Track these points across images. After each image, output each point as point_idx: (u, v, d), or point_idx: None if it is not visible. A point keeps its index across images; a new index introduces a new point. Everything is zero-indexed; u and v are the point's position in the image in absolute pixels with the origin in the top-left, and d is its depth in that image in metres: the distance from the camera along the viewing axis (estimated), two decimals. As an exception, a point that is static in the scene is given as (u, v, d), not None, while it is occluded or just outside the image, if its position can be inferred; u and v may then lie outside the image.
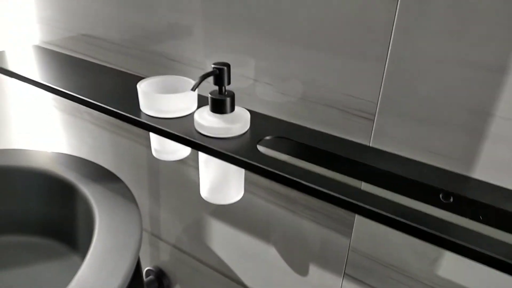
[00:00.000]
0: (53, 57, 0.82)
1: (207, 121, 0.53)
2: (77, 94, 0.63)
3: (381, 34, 0.46)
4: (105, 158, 0.93)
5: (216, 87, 0.52)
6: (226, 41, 0.60)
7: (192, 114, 0.58)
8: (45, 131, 1.04)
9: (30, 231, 0.78)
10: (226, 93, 0.53)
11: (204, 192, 0.59)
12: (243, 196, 0.61)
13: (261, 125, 0.56)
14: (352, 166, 0.50)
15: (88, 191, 0.67)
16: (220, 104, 0.52)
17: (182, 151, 0.63)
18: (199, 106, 0.59)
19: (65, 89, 0.65)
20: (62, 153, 0.78)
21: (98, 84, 0.69)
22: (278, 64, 0.56)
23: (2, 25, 0.96)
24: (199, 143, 0.52)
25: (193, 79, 0.62)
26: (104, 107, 0.60)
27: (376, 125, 0.51)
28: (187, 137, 0.53)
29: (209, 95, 0.53)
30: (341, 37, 0.49)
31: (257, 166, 0.47)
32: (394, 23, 0.45)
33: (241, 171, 0.58)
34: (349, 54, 0.49)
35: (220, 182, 0.57)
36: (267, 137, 0.53)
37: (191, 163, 0.75)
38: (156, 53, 0.69)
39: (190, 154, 0.65)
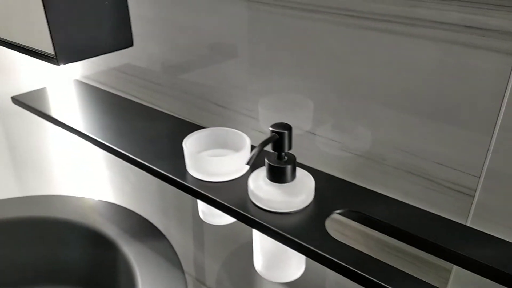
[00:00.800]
0: (93, 95, 0.77)
1: (264, 192, 0.44)
2: (119, 148, 0.57)
3: (488, 100, 0.36)
4: (148, 198, 0.87)
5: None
6: (280, 88, 0.52)
7: (244, 176, 0.50)
8: (87, 168, 1.00)
9: (67, 282, 0.74)
10: (286, 158, 0.44)
11: (259, 266, 0.51)
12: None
13: (327, 191, 0.47)
14: (444, 250, 0.40)
15: (130, 251, 0.61)
16: (279, 173, 0.44)
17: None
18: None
19: (105, 141, 0.59)
20: (104, 202, 0.73)
21: (140, 131, 0.62)
22: (347, 118, 0.47)
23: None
24: (256, 220, 0.44)
25: (242, 130, 0.54)
26: (146, 166, 0.53)
27: (477, 202, 0.40)
28: (242, 211, 0.45)
29: (266, 161, 0.44)
30: (436, 100, 0.39)
31: (329, 258, 0.38)
32: (508, 88, 0.35)
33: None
34: (446, 118, 0.39)
35: (278, 258, 0.49)
36: (337, 212, 0.44)
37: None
38: (201, 96, 0.62)
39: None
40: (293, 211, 0.44)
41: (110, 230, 0.65)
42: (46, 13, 0.28)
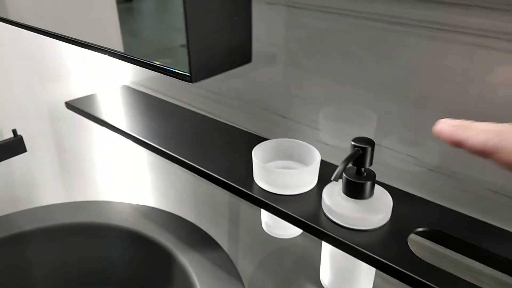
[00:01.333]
0: (146, 101, 0.77)
1: (342, 208, 0.43)
2: (184, 157, 0.57)
3: None
4: (194, 205, 0.87)
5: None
6: (342, 98, 0.51)
7: (311, 191, 0.50)
8: (132, 174, 1.00)
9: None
10: (365, 173, 0.43)
11: (326, 281, 0.50)
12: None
13: (403, 208, 0.46)
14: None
15: (187, 261, 0.60)
16: (358, 189, 0.43)
17: (297, 228, 0.54)
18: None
19: (168, 150, 0.59)
20: (155, 209, 0.73)
21: (200, 141, 0.62)
22: (414, 130, 0.46)
23: (93, 65, 0.93)
24: (332, 236, 0.43)
25: (303, 140, 0.53)
26: (213, 176, 0.53)
27: None
28: (316, 226, 0.44)
29: (345, 176, 0.43)
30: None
31: (418, 279, 0.37)
32: None
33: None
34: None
35: (347, 275, 0.48)
36: (419, 230, 0.43)
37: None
38: (259, 105, 0.62)
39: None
40: (370, 229, 0.43)
41: (165, 239, 0.65)
42: (187, 37, 0.28)
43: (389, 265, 0.39)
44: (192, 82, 0.30)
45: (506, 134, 0.27)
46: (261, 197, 0.49)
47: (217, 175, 0.53)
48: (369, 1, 0.44)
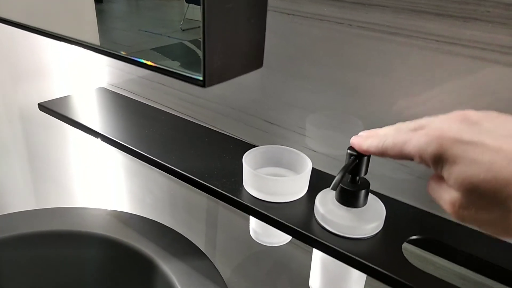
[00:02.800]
0: (124, 104, 0.75)
1: (335, 216, 0.43)
2: (169, 164, 0.55)
3: None
4: (171, 212, 0.84)
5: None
6: (329, 105, 0.51)
7: (303, 198, 0.49)
8: (107, 180, 0.97)
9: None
10: (360, 182, 0.43)
11: (315, 286, 0.50)
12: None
13: (395, 217, 0.46)
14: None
15: (170, 269, 0.58)
16: (353, 197, 0.43)
17: (286, 236, 0.54)
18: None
19: (150, 155, 0.57)
20: (134, 215, 0.70)
21: (184, 146, 0.60)
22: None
23: (69, 68, 0.90)
24: (327, 244, 0.42)
25: (293, 147, 0.53)
26: (200, 183, 0.52)
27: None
28: (310, 234, 0.43)
29: (331, 189, 0.43)
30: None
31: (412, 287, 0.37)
32: None
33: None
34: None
35: (338, 283, 0.48)
36: (412, 238, 0.43)
37: (299, 243, 0.65)
38: (246, 111, 0.61)
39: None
40: (364, 237, 0.43)
41: (145, 246, 0.62)
42: (204, 40, 0.27)
43: (384, 273, 0.39)
44: (204, 87, 0.29)
45: (387, 136, 0.33)
46: (252, 205, 0.48)
47: (204, 181, 0.51)
48: (365, 11, 0.44)
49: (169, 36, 0.53)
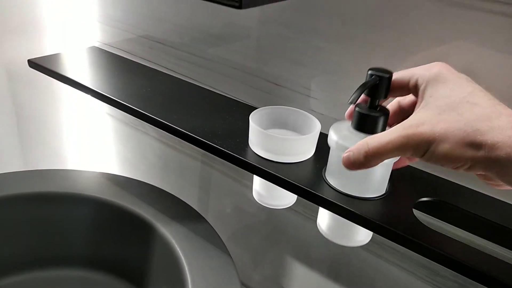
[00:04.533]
0: (119, 63, 0.72)
1: (351, 141, 0.38)
2: (171, 123, 0.53)
3: None
4: (167, 177, 0.83)
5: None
6: (335, 67, 0.50)
7: (310, 159, 0.48)
8: (99, 144, 0.94)
9: (82, 265, 0.69)
10: (379, 109, 0.39)
11: (323, 226, 0.48)
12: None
13: (404, 180, 0.45)
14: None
15: (170, 233, 0.57)
16: (371, 122, 0.39)
17: (291, 198, 0.53)
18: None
19: (151, 114, 0.55)
20: (130, 179, 0.68)
21: (184, 106, 0.58)
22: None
23: (61, 25, 0.85)
24: (337, 204, 0.41)
25: (299, 107, 0.51)
26: (205, 143, 0.50)
27: None
28: (320, 194, 0.42)
29: (357, 109, 0.39)
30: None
31: (426, 246, 0.37)
32: None
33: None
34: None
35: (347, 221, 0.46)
36: (423, 199, 0.43)
37: (297, 208, 0.65)
38: (248, 71, 0.59)
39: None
40: (374, 197, 0.42)
41: (143, 210, 0.61)
42: None
43: (396, 232, 0.38)
44: (241, 8, 0.27)
45: (357, 147, 0.35)
46: (259, 164, 0.47)
47: (209, 141, 0.50)
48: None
49: None
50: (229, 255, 0.54)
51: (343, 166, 0.37)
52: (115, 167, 0.93)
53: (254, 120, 0.47)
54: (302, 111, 0.50)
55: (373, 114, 0.39)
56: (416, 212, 0.42)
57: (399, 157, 0.40)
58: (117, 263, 0.66)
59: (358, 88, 0.37)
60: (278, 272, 0.73)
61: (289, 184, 0.44)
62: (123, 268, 0.65)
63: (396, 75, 0.37)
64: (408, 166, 0.48)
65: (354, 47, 0.48)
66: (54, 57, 0.72)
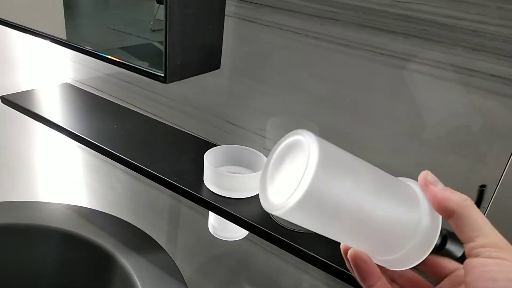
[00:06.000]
0: (90, 100, 0.76)
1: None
2: (126, 157, 0.56)
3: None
4: (133, 208, 0.85)
5: None
6: (288, 109, 0.55)
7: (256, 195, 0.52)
8: (69, 176, 0.96)
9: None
10: None
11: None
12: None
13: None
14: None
15: (130, 264, 0.60)
16: None
17: (242, 231, 0.57)
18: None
19: (113, 150, 0.58)
20: (94, 210, 0.71)
21: (145, 142, 0.62)
22: (355, 142, 0.51)
23: (34, 62, 0.89)
24: (282, 239, 0.46)
25: (254, 148, 0.56)
26: (160, 177, 0.54)
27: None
28: (266, 229, 0.46)
29: None
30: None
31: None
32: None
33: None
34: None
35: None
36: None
37: (254, 239, 0.68)
38: (209, 112, 0.63)
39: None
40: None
41: (104, 241, 0.63)
42: (166, 38, 0.29)
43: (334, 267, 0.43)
44: (166, 83, 0.31)
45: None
46: (211, 200, 0.50)
47: (166, 177, 0.53)
48: (319, 23, 0.48)
49: (138, 36, 0.55)
50: (185, 284, 0.57)
51: None
52: (84, 198, 0.95)
53: (208, 159, 0.52)
54: (254, 150, 0.55)
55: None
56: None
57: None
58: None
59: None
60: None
61: (237, 218, 0.48)
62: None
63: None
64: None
65: (301, 96, 0.53)
66: (27, 94, 0.76)
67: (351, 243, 0.29)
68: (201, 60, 0.40)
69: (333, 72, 0.49)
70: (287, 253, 0.61)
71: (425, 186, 0.28)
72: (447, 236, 0.29)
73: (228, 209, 0.49)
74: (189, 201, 0.74)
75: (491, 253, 0.25)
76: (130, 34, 0.56)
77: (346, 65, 0.48)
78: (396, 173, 0.29)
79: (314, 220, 0.25)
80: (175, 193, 0.76)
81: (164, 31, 0.30)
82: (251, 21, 0.53)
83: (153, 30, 0.56)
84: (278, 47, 0.52)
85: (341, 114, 0.51)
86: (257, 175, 0.51)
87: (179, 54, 0.32)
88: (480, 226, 0.26)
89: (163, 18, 0.44)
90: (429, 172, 0.29)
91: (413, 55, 0.43)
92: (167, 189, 0.77)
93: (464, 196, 0.27)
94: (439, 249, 0.29)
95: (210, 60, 0.43)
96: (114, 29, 0.58)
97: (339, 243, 0.30)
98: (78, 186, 0.95)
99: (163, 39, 0.30)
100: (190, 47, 0.37)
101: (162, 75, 0.30)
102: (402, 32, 0.43)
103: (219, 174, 0.50)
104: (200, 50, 0.40)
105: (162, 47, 0.43)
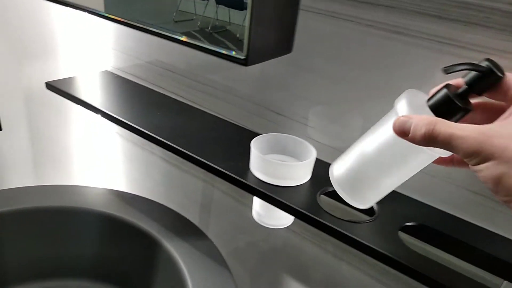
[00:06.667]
0: (131, 88, 0.77)
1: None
2: (179, 146, 0.57)
3: None
4: (171, 196, 0.87)
5: None
6: (333, 97, 0.54)
7: (306, 184, 0.52)
8: (107, 163, 0.98)
9: (91, 276, 0.72)
10: (466, 101, 0.34)
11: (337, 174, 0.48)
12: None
13: (390, 205, 0.50)
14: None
15: (174, 249, 0.61)
16: (452, 109, 0.33)
17: (288, 219, 0.57)
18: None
19: (160, 136, 0.59)
20: (137, 196, 0.72)
21: (190, 130, 0.63)
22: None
23: (76, 51, 0.91)
24: (329, 226, 0.46)
25: (297, 135, 0.56)
26: (211, 166, 0.54)
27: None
28: (315, 217, 0.47)
29: (445, 90, 0.33)
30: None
31: (411, 268, 0.41)
32: None
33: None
34: None
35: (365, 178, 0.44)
36: (408, 224, 0.47)
37: (294, 228, 0.69)
38: (252, 101, 0.64)
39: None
40: (363, 221, 0.46)
41: (149, 226, 0.65)
42: (250, 21, 0.30)
43: (381, 252, 0.42)
44: (246, 65, 0.32)
45: (422, 120, 0.32)
46: (259, 187, 0.51)
47: (214, 164, 0.54)
48: (373, 10, 0.47)
49: (161, 27, 0.55)
50: (230, 272, 0.58)
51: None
52: (122, 185, 0.97)
53: (255, 146, 0.52)
54: (300, 138, 0.55)
55: (458, 104, 0.33)
56: (402, 235, 0.46)
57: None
58: (121, 275, 0.69)
59: (464, 63, 0.32)
60: (274, 289, 0.76)
61: (286, 206, 0.49)
62: (126, 280, 0.69)
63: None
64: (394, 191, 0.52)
65: (347, 85, 0.53)
66: (69, 80, 0.77)
67: None
68: (277, 43, 0.40)
69: (385, 61, 0.49)
70: (326, 242, 0.62)
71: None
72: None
73: (277, 196, 0.49)
74: (222, 186, 0.76)
75: None
76: (152, 25, 0.56)
77: (400, 54, 0.47)
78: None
79: None
80: (208, 179, 0.78)
81: (249, 11, 0.31)
82: (302, 9, 0.53)
83: (176, 21, 0.57)
84: (328, 34, 0.52)
85: (391, 106, 0.50)
86: (306, 164, 0.51)
87: (259, 36, 0.32)
88: None
89: (186, 9, 0.44)
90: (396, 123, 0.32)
91: (473, 43, 0.42)
92: (201, 175, 0.78)
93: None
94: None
95: (285, 43, 0.44)
96: (137, 20, 0.58)
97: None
98: (117, 173, 0.97)
99: (247, 22, 0.31)
100: (269, 29, 0.37)
101: (243, 57, 0.30)
102: (462, 20, 0.42)
103: (267, 162, 0.50)
104: (277, 32, 0.40)
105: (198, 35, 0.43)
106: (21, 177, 1.18)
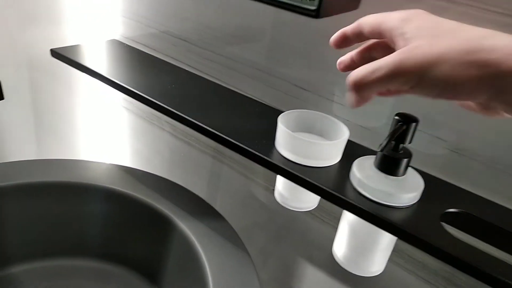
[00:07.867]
0: (141, 58, 0.72)
1: (373, 181, 0.43)
2: (199, 122, 0.53)
3: None
4: (181, 174, 0.83)
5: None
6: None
7: (336, 165, 0.49)
8: (113, 138, 0.94)
9: (93, 255, 0.69)
10: (402, 151, 0.43)
11: (339, 254, 0.50)
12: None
13: (431, 190, 0.46)
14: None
15: (189, 229, 0.57)
16: (394, 164, 0.43)
17: (313, 202, 0.54)
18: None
19: (178, 111, 0.55)
20: (145, 172, 0.69)
21: (207, 104, 0.59)
22: (433, 111, 0.47)
23: (82, 17, 0.85)
24: (363, 209, 0.42)
25: (322, 112, 0.52)
26: (231, 142, 0.50)
27: None
28: (347, 199, 0.43)
29: (379, 151, 0.43)
30: None
31: (453, 256, 0.38)
32: None
33: (393, 242, 0.49)
34: None
35: (364, 251, 0.48)
36: (449, 210, 0.43)
37: (315, 212, 0.66)
38: (274, 74, 0.59)
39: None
40: (401, 206, 0.43)
41: (162, 205, 0.61)
42: None
43: (421, 239, 0.39)
44: (318, 18, 0.28)
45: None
46: (286, 166, 0.47)
47: (236, 141, 0.50)
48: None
49: None
50: (249, 254, 0.55)
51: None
52: (128, 161, 0.93)
53: (282, 122, 0.48)
54: (330, 116, 0.51)
55: (396, 157, 0.42)
56: (444, 223, 0.43)
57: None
58: (132, 255, 0.66)
59: (387, 137, 0.40)
60: (286, 272, 0.74)
61: (315, 187, 0.45)
62: (138, 261, 0.66)
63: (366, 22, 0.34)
64: (435, 177, 0.48)
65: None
66: (75, 48, 0.73)
67: None
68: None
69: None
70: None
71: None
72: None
73: (306, 176, 0.46)
74: (231, 162, 0.72)
75: None
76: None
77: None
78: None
79: None
80: (217, 154, 0.74)
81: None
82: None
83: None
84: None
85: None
86: (337, 143, 0.47)
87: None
88: None
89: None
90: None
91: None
92: (210, 151, 0.75)
93: None
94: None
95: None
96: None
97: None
98: (124, 148, 0.93)
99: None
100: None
101: (314, 8, 0.26)
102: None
103: (297, 140, 0.47)
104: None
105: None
106: (23, 149, 1.13)
